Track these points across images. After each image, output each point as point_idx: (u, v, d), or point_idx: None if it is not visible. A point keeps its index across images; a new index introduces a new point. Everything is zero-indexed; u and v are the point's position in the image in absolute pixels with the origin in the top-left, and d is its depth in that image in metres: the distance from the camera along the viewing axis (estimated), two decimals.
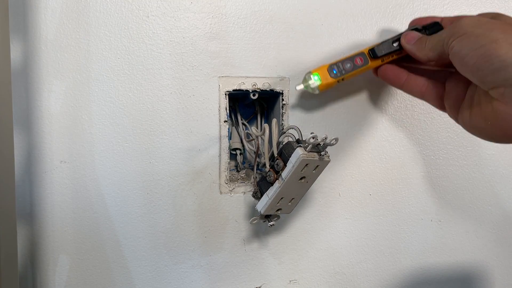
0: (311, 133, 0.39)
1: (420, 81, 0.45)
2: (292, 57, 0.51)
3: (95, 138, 0.47)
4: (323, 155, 0.41)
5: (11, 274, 0.39)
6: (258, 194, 0.45)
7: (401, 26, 0.53)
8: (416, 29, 0.44)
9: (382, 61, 0.46)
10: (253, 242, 0.53)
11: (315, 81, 0.46)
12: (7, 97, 0.39)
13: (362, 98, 0.54)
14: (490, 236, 0.61)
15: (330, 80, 0.46)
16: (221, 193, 0.51)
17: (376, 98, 0.54)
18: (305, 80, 0.47)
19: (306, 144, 0.40)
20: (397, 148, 0.56)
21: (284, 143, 0.43)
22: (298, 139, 0.42)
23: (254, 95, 0.51)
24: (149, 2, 0.47)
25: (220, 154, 0.51)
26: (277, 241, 0.54)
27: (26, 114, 0.46)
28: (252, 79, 0.50)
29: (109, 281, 0.50)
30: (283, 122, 0.52)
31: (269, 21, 0.50)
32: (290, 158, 0.40)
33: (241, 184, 0.52)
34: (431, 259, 0.59)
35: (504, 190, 0.60)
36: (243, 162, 0.55)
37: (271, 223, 0.47)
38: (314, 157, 0.40)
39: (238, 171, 0.55)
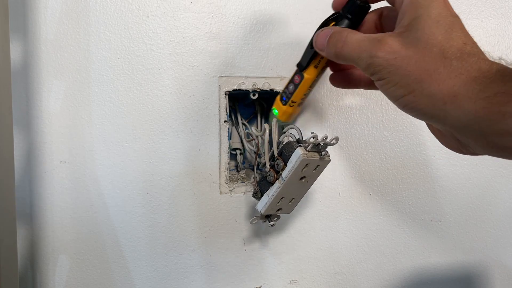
0: (311, 133, 0.39)
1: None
2: (292, 57, 0.51)
3: (95, 138, 0.47)
4: (323, 155, 0.41)
5: (11, 274, 0.39)
6: (259, 194, 0.45)
7: None
8: (336, 17, 0.38)
9: (315, 67, 0.41)
10: (253, 242, 0.53)
11: (275, 114, 0.45)
12: (7, 97, 0.39)
13: (362, 98, 0.54)
14: (490, 236, 0.61)
15: (284, 108, 0.44)
16: (221, 193, 0.51)
17: (377, 98, 0.54)
18: (270, 116, 0.47)
19: (307, 144, 0.40)
20: (397, 148, 0.56)
21: (284, 143, 0.42)
22: (298, 139, 0.42)
23: (254, 95, 0.51)
24: (149, 2, 0.47)
25: (220, 154, 0.51)
26: (277, 241, 0.54)
27: (26, 114, 0.46)
28: (252, 79, 0.50)
29: (109, 281, 0.50)
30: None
31: (269, 21, 0.50)
32: (290, 158, 0.40)
33: (241, 184, 0.52)
34: (431, 259, 0.59)
35: (504, 190, 0.60)
36: (243, 162, 0.55)
37: (271, 223, 0.47)
38: (314, 157, 0.40)
39: (238, 171, 0.55)
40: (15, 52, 0.45)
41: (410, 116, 0.41)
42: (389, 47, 0.31)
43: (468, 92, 0.28)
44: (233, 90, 0.50)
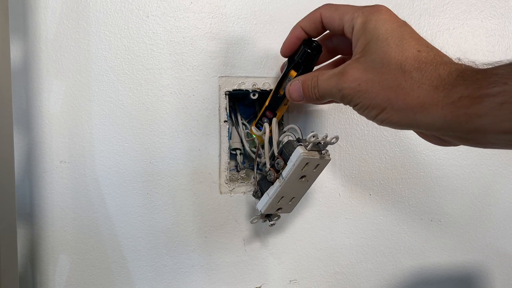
0: (311, 132, 0.39)
1: None
2: None
3: (95, 138, 0.47)
4: (323, 154, 0.41)
5: (11, 274, 0.39)
6: (259, 193, 0.45)
7: None
8: (294, 65, 0.42)
9: (285, 105, 0.46)
10: (253, 242, 0.53)
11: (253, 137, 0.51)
12: (7, 97, 0.39)
13: None
14: (490, 236, 0.61)
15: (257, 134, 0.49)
16: (221, 193, 0.51)
17: None
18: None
19: (307, 143, 0.40)
20: (397, 148, 0.56)
21: (284, 142, 0.43)
22: (298, 138, 0.42)
23: (254, 95, 0.51)
24: (149, 2, 0.47)
25: (220, 154, 0.51)
26: (277, 241, 0.54)
27: (26, 114, 0.46)
28: (252, 79, 0.50)
29: (109, 281, 0.50)
30: (283, 122, 0.52)
31: (269, 21, 0.50)
32: (290, 157, 0.40)
33: (241, 184, 0.52)
34: (431, 259, 0.59)
35: (504, 190, 0.60)
36: (243, 162, 0.55)
37: (272, 222, 0.47)
38: (314, 156, 0.40)
39: (238, 171, 0.55)
40: (15, 52, 0.45)
41: None
42: (351, 77, 0.34)
43: (434, 100, 0.29)
44: (233, 90, 0.50)
